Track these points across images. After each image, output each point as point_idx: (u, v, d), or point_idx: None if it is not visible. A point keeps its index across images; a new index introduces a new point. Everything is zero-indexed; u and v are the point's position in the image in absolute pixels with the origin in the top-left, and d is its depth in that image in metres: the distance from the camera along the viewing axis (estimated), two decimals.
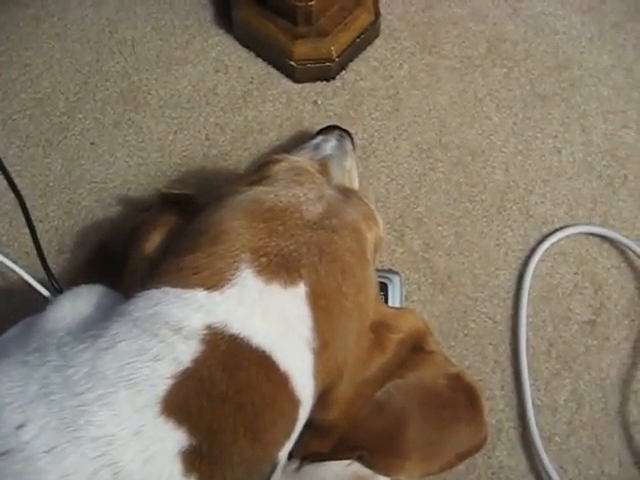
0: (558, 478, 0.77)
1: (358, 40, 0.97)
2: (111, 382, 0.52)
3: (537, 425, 0.80)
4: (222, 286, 0.58)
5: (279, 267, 0.60)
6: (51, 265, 0.84)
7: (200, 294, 0.57)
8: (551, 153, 0.94)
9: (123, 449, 0.50)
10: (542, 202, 0.91)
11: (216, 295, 0.57)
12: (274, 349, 0.57)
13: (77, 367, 0.53)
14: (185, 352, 0.54)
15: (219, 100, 0.97)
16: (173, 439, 0.51)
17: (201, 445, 0.52)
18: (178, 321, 0.55)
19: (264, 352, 0.57)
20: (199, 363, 0.54)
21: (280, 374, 0.57)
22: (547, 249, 0.88)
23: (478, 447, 0.73)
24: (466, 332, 0.85)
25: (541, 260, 0.88)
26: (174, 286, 0.58)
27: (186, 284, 0.58)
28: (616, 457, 0.80)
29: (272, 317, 0.58)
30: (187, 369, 0.53)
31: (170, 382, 0.53)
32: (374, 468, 0.71)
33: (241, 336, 0.56)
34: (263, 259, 0.59)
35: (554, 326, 0.85)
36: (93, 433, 0.50)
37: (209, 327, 0.56)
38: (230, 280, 0.58)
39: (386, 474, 0.72)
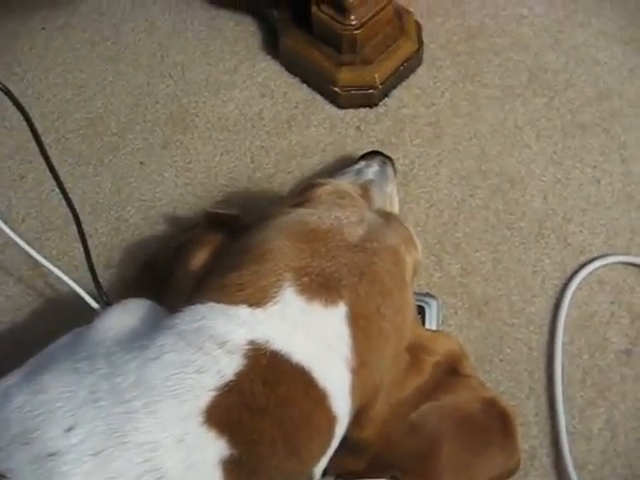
0: None
1: (401, 68, 1.00)
2: (157, 391, 0.54)
3: (571, 453, 0.80)
4: (265, 303, 0.60)
5: (320, 287, 0.61)
6: (99, 279, 0.86)
7: (244, 310, 0.59)
8: (590, 182, 0.95)
9: (166, 456, 0.52)
10: (580, 231, 0.92)
11: (259, 312, 0.59)
12: (313, 366, 0.59)
13: (125, 375, 0.55)
14: (228, 366, 0.56)
15: (264, 124, 1.00)
16: (214, 448, 0.53)
17: (241, 456, 0.54)
18: (222, 335, 0.57)
19: (304, 369, 0.58)
20: (241, 377, 0.56)
21: (318, 391, 0.59)
22: (584, 277, 0.89)
23: (511, 473, 0.73)
24: (501, 358, 0.85)
25: (578, 288, 0.88)
26: (219, 302, 0.60)
27: (230, 300, 0.60)
28: None
29: (312, 335, 0.60)
30: (230, 382, 0.55)
31: (213, 394, 0.55)
32: None
33: (282, 352, 0.58)
34: (305, 278, 0.61)
35: (590, 354, 0.86)
36: (138, 439, 0.52)
37: (252, 342, 0.57)
38: (273, 298, 0.60)
39: None
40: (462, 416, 0.71)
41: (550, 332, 0.86)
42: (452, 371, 0.71)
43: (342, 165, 0.90)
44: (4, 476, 0.51)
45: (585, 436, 0.82)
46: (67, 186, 0.94)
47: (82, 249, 0.83)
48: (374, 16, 0.95)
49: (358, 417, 0.64)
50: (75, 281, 0.80)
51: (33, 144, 0.96)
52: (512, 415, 0.73)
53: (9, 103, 1.00)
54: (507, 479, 0.74)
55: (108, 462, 0.51)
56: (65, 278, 0.76)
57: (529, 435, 0.82)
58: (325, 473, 0.71)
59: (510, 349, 0.86)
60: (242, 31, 1.06)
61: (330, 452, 0.62)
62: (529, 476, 0.80)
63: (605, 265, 0.90)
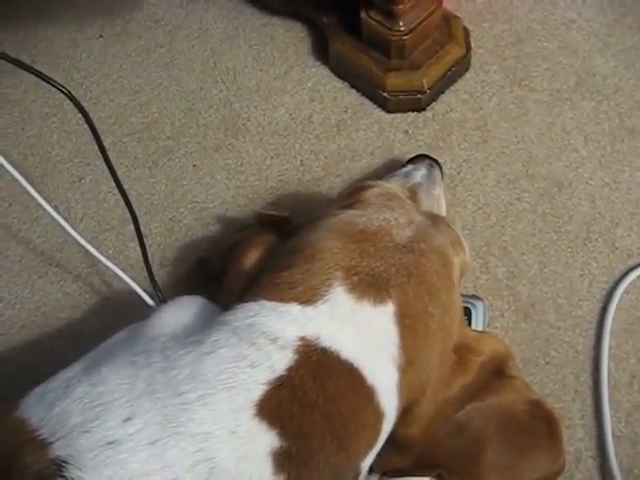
0: None
1: (449, 73, 1.00)
2: (211, 384, 0.56)
3: (616, 456, 0.80)
4: (315, 301, 0.62)
5: (369, 286, 0.63)
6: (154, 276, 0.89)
7: (295, 308, 0.61)
8: (638, 186, 0.95)
9: (219, 446, 0.54)
10: (628, 235, 0.92)
11: (310, 310, 0.61)
12: (362, 363, 0.60)
13: (180, 369, 0.58)
14: (280, 361, 0.58)
15: (314, 128, 1.02)
16: (265, 440, 0.55)
17: (291, 448, 0.56)
18: (274, 332, 0.59)
19: (352, 365, 0.60)
20: (292, 372, 0.58)
21: (367, 387, 0.60)
22: (632, 281, 0.89)
23: (555, 475, 0.74)
24: (547, 360, 0.86)
25: (625, 292, 0.88)
26: (271, 299, 0.62)
27: (282, 298, 0.62)
28: None
29: (361, 333, 0.62)
30: (281, 377, 0.57)
31: (265, 388, 0.57)
32: None
33: (331, 349, 0.60)
34: (355, 278, 0.63)
35: (637, 358, 0.85)
36: (193, 430, 0.54)
37: (302, 339, 0.59)
38: (323, 296, 0.62)
39: None
40: (507, 417, 0.72)
41: (597, 336, 0.87)
42: (498, 372, 0.72)
43: (390, 169, 0.91)
44: (66, 462, 0.53)
45: (631, 440, 0.82)
46: (123, 188, 0.98)
47: (137, 249, 0.86)
48: (422, 21, 0.96)
49: (405, 414, 0.65)
50: (131, 279, 0.83)
51: (91, 147, 1.02)
52: (558, 417, 0.73)
53: (68, 107, 1.05)
54: None
55: (164, 451, 0.54)
56: (122, 275, 0.79)
57: (574, 438, 0.82)
58: (371, 470, 0.72)
59: (556, 352, 0.86)
60: (292, 37, 1.08)
61: (377, 448, 0.64)
62: (574, 479, 0.80)
63: None
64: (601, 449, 0.81)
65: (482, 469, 0.71)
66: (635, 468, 0.81)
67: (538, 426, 0.73)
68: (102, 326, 0.89)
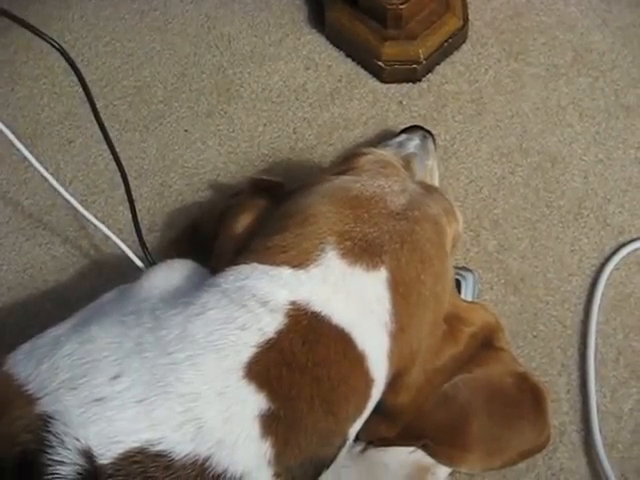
0: None
1: (446, 44, 1.00)
2: (200, 345, 0.56)
3: (600, 431, 0.80)
4: (307, 265, 0.61)
5: (362, 251, 0.63)
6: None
7: (286, 272, 0.61)
8: (632, 164, 0.95)
9: (207, 406, 0.54)
10: (620, 212, 0.92)
11: (301, 274, 0.61)
12: (353, 328, 0.60)
13: (169, 329, 0.58)
14: (270, 324, 0.58)
15: (308, 96, 1.01)
16: (253, 402, 0.55)
17: (279, 411, 0.56)
18: (265, 295, 0.59)
19: (343, 330, 0.60)
20: (282, 335, 0.58)
21: (357, 352, 0.60)
22: (622, 258, 0.89)
23: (540, 447, 0.75)
24: (535, 334, 0.86)
25: (615, 268, 0.88)
26: (262, 263, 0.62)
27: (273, 262, 0.62)
28: None
29: (353, 298, 0.61)
30: (270, 339, 0.57)
31: (254, 350, 0.57)
32: (437, 458, 0.74)
33: (322, 313, 0.60)
34: (348, 243, 0.63)
35: (624, 335, 0.86)
36: (181, 390, 0.54)
37: (293, 303, 0.59)
38: (315, 260, 0.62)
39: (448, 465, 0.75)
40: (494, 390, 0.73)
41: (585, 311, 0.87)
42: (487, 343, 0.73)
43: (383, 139, 0.91)
44: (52, 417, 0.53)
45: (616, 415, 0.82)
46: None
47: (126, 213, 0.86)
48: None
49: (394, 382, 0.66)
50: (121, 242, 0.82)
51: (82, 110, 1.00)
52: (544, 391, 0.74)
53: (59, 69, 1.04)
54: (537, 453, 0.76)
55: (151, 410, 0.53)
56: (113, 236, 0.78)
57: (560, 412, 0.82)
58: (357, 439, 0.72)
59: (544, 326, 0.86)
60: (288, 4, 1.07)
61: (365, 414, 0.64)
62: (558, 452, 0.81)
63: None
64: (586, 423, 0.82)
65: (468, 440, 0.72)
66: (619, 443, 0.81)
67: (524, 399, 0.73)
68: (90, 289, 0.89)
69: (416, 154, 0.84)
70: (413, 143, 0.85)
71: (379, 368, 0.62)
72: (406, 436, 0.72)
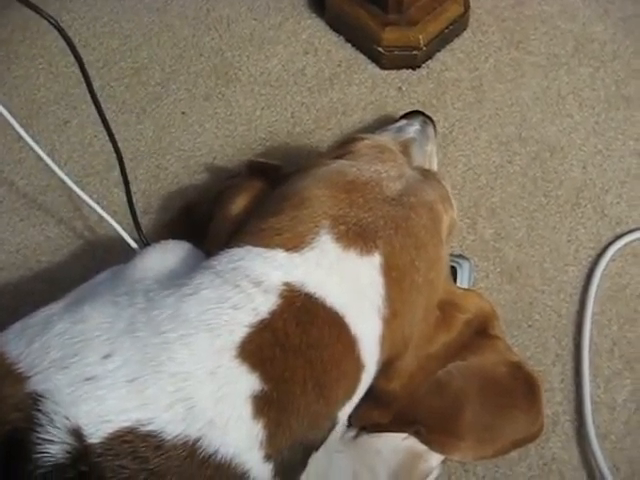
0: (611, 476, 0.77)
1: (446, 31, 0.99)
2: (192, 325, 0.56)
3: (594, 422, 0.80)
4: (302, 248, 0.61)
5: (357, 236, 0.63)
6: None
7: (281, 254, 0.61)
8: (631, 155, 0.95)
9: (199, 386, 0.54)
10: (618, 203, 0.92)
11: (296, 256, 0.61)
12: (346, 312, 0.60)
13: (162, 309, 0.57)
14: (263, 304, 0.57)
15: (307, 81, 1.00)
16: (246, 383, 0.55)
17: (271, 392, 0.55)
18: (258, 276, 0.59)
19: (336, 313, 0.60)
20: (275, 316, 0.57)
21: (349, 336, 0.60)
22: (619, 249, 0.89)
23: (533, 436, 0.75)
24: (530, 323, 0.86)
25: (612, 259, 0.88)
26: (256, 245, 0.61)
27: (268, 244, 0.61)
28: None
29: (346, 282, 0.61)
30: (264, 320, 0.57)
31: (247, 330, 0.56)
32: (429, 445, 0.73)
33: (316, 296, 0.59)
34: (342, 227, 0.63)
35: (619, 326, 0.86)
36: (173, 369, 0.54)
37: (287, 284, 0.59)
38: (310, 243, 0.61)
39: (441, 452, 0.74)
40: (488, 378, 0.73)
41: (580, 301, 0.87)
42: (481, 331, 0.72)
43: (381, 125, 0.91)
44: (42, 396, 0.53)
45: (609, 406, 0.82)
46: None
47: (121, 194, 0.85)
48: None
49: (386, 368, 0.65)
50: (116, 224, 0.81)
51: (78, 90, 1.00)
52: (538, 380, 0.74)
53: (56, 50, 1.03)
54: (529, 442, 0.76)
55: (142, 389, 0.53)
56: (107, 217, 0.78)
57: (553, 401, 0.82)
58: (350, 425, 0.72)
59: (539, 315, 0.86)
60: None
61: (356, 399, 0.63)
62: (550, 441, 0.80)
63: None
64: (579, 413, 0.81)
65: (461, 428, 0.72)
66: (612, 434, 0.81)
67: (518, 388, 0.73)
68: (83, 270, 0.88)
69: (415, 139, 0.83)
70: (413, 128, 0.85)
71: (371, 353, 0.62)
72: (399, 422, 0.72)
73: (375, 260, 0.63)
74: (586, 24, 1.03)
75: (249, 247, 0.62)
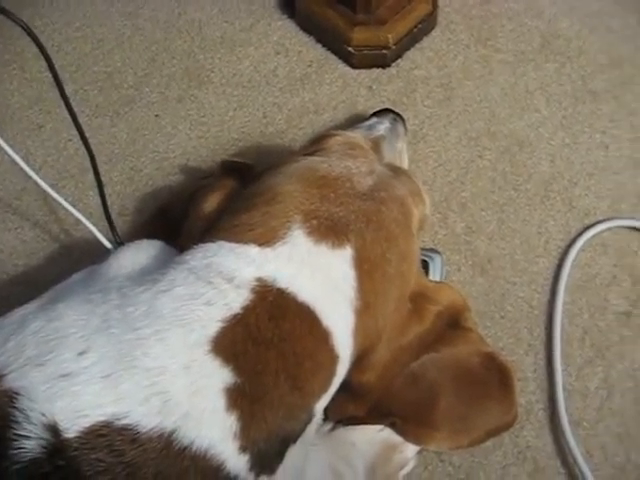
0: (584, 462, 0.78)
1: (415, 30, 1.01)
2: (166, 320, 0.57)
3: (566, 409, 0.81)
4: (274, 243, 0.62)
5: (328, 230, 0.64)
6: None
7: (253, 249, 0.61)
8: (598, 148, 0.97)
9: (173, 380, 0.55)
10: (586, 194, 0.94)
11: (268, 251, 0.62)
12: (318, 305, 0.61)
13: (136, 306, 0.58)
14: (236, 299, 0.58)
15: (278, 81, 1.01)
16: (219, 376, 0.56)
17: (245, 384, 0.56)
18: (231, 272, 0.60)
19: (309, 307, 0.61)
20: (248, 310, 0.58)
21: (322, 329, 0.61)
22: (588, 240, 0.90)
23: (507, 425, 0.76)
24: (502, 314, 0.87)
25: (581, 250, 0.90)
26: (229, 241, 0.62)
27: (240, 239, 0.62)
28: None
29: (318, 275, 0.62)
30: (236, 314, 0.58)
31: (220, 325, 0.57)
32: (405, 436, 0.74)
33: (288, 290, 0.60)
34: (314, 221, 0.64)
35: (590, 315, 0.87)
36: (147, 364, 0.55)
37: (259, 279, 0.60)
38: (282, 238, 0.62)
39: (416, 443, 0.75)
40: (462, 369, 0.74)
41: (551, 291, 0.88)
42: (454, 322, 0.73)
43: (353, 123, 0.92)
44: (18, 393, 0.53)
45: (581, 393, 0.84)
46: None
47: (96, 197, 0.85)
48: None
49: (360, 360, 0.66)
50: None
51: (52, 95, 1.00)
52: (511, 370, 0.75)
53: (29, 55, 1.03)
54: (504, 432, 0.77)
55: (117, 384, 0.54)
56: (81, 218, 0.78)
57: (526, 390, 0.84)
58: (326, 418, 0.73)
59: (511, 306, 0.88)
60: None
61: (331, 390, 0.64)
62: (524, 430, 0.82)
63: (609, 229, 0.91)
64: (552, 401, 0.83)
65: (436, 419, 0.73)
66: (584, 420, 0.82)
67: (491, 378, 0.74)
68: (59, 273, 0.86)
69: (385, 137, 0.84)
70: (383, 126, 0.86)
71: (344, 345, 0.63)
72: (374, 415, 0.73)
73: (347, 253, 0.64)
74: (552, 21, 1.05)
75: (222, 242, 0.62)
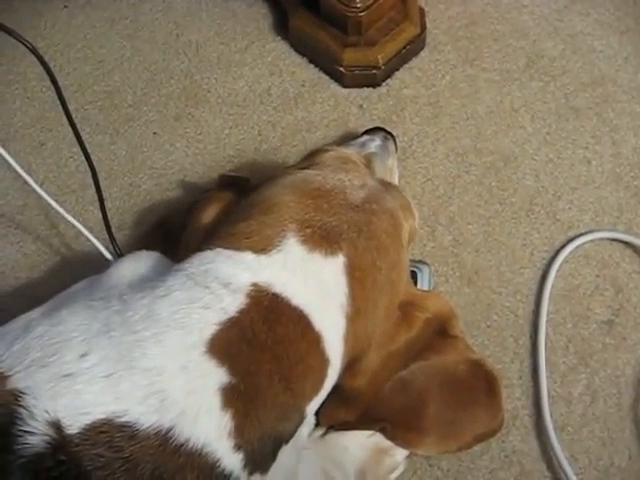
0: (569, 466, 0.80)
1: (404, 51, 1.04)
2: (164, 323, 0.59)
3: (551, 415, 0.84)
4: (269, 251, 0.65)
5: (321, 239, 0.66)
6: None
7: (249, 256, 0.64)
8: (581, 163, 1.00)
9: (171, 380, 0.57)
10: (569, 208, 0.97)
11: (263, 258, 0.64)
12: (311, 310, 0.64)
13: (135, 310, 0.61)
14: (231, 303, 0.61)
15: (272, 100, 1.05)
16: (215, 376, 0.58)
17: (239, 385, 0.59)
18: (227, 277, 0.62)
19: (302, 312, 0.63)
20: (243, 314, 0.61)
21: (314, 333, 0.64)
22: (571, 251, 0.93)
23: (494, 431, 0.78)
24: (489, 324, 0.90)
25: (565, 261, 0.93)
26: (226, 248, 0.65)
27: (237, 247, 0.65)
28: (626, 450, 0.84)
29: (312, 282, 0.65)
30: (232, 318, 0.61)
31: (216, 327, 0.60)
32: (395, 441, 0.77)
33: (282, 295, 0.63)
34: (308, 230, 0.66)
35: (573, 324, 0.90)
36: (146, 365, 0.57)
37: (255, 285, 0.63)
38: (277, 246, 0.65)
39: (406, 447, 0.78)
40: (449, 376, 0.76)
41: (536, 301, 0.91)
42: (442, 330, 0.76)
43: (344, 141, 0.95)
44: (23, 392, 0.56)
45: (566, 400, 0.86)
46: None
47: (96, 212, 0.88)
48: (378, 0, 1.00)
49: (351, 366, 0.69)
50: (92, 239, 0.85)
51: (53, 113, 1.03)
52: (497, 377, 0.77)
53: (32, 75, 1.07)
54: (491, 437, 0.79)
55: (117, 384, 0.56)
56: (82, 229, 0.81)
57: (512, 397, 0.86)
58: (318, 424, 0.75)
59: (497, 316, 0.90)
60: (254, 13, 1.11)
61: (323, 393, 0.67)
62: (510, 435, 0.84)
63: (592, 240, 0.94)
64: (537, 408, 0.85)
65: (424, 424, 0.75)
66: (569, 426, 0.85)
67: (478, 385, 0.77)
68: (61, 286, 0.89)
69: (377, 154, 0.87)
70: (374, 144, 0.89)
71: (335, 349, 0.65)
72: (365, 420, 0.75)
73: (339, 261, 0.66)
74: (537, 41, 1.08)
75: (219, 250, 0.65)
